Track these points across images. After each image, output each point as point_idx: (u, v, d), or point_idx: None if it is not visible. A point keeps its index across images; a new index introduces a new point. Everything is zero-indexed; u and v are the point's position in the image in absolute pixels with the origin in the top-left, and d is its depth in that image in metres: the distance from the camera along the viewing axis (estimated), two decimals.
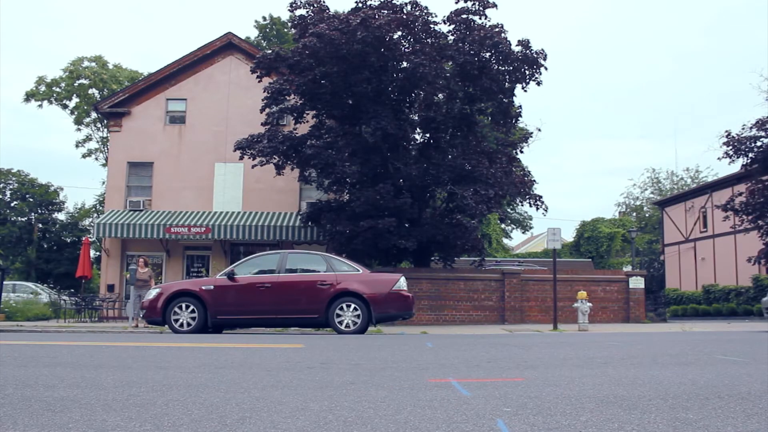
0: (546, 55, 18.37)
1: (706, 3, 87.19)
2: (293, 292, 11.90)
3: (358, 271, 12.24)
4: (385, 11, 18.03)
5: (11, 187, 38.25)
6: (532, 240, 55.90)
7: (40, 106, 37.71)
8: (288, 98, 19.08)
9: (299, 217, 21.17)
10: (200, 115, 23.45)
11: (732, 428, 2.74)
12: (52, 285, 30.69)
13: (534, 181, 20.48)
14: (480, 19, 18.55)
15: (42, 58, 75.11)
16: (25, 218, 37.93)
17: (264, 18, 40.31)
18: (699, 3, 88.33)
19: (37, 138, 71.38)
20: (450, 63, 18.77)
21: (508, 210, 34.83)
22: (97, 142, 39.51)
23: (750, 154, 22.28)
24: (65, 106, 38.18)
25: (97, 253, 31.20)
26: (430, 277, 18.68)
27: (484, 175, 18.02)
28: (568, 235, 50.36)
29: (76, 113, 38.29)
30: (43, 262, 36.65)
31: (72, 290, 23.43)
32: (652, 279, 37.83)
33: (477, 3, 18.48)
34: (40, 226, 37.89)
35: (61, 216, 39.91)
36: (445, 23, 18.72)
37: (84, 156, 40.31)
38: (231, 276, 12.00)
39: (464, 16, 18.53)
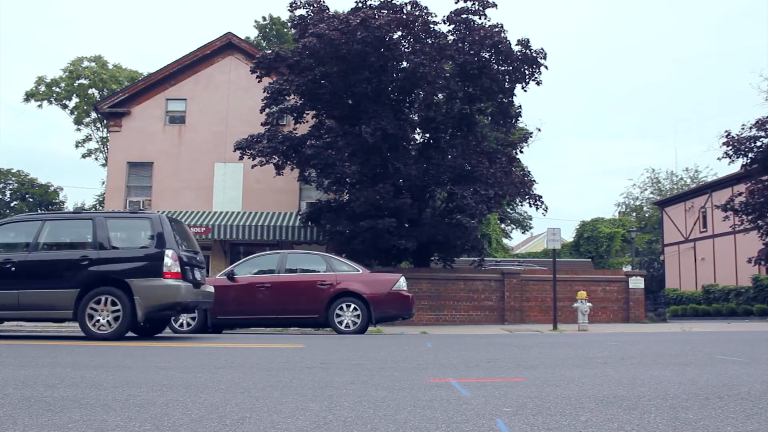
0: (546, 54, 18.38)
1: (706, 4, 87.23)
2: (293, 292, 11.90)
3: (358, 271, 12.24)
4: (385, 11, 18.03)
5: (11, 187, 38.27)
6: (532, 240, 55.91)
7: (40, 106, 37.75)
8: (288, 98, 19.08)
9: (299, 217, 21.16)
10: (200, 115, 23.45)
11: (732, 428, 2.74)
12: None
13: (534, 181, 20.47)
14: (480, 19, 18.57)
15: (42, 58, 75.16)
16: None
17: (264, 18, 40.31)
18: (699, 5, 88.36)
19: (37, 138, 71.39)
20: (450, 63, 18.78)
21: (508, 210, 34.82)
22: (97, 142, 39.54)
23: (750, 154, 22.30)
24: (65, 106, 38.20)
25: None
26: (430, 277, 18.69)
27: (484, 175, 18.02)
28: (568, 235, 50.38)
29: (76, 113, 38.31)
30: None
31: None
32: (652, 279, 37.87)
33: (477, 3, 18.49)
34: None
35: None
36: (445, 23, 18.74)
37: (84, 156, 40.35)
38: (231, 276, 12.00)
39: (464, 16, 18.54)
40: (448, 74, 18.39)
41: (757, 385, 4.00)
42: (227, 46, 23.79)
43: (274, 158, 18.71)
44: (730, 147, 22.27)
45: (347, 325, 11.54)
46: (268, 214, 22.23)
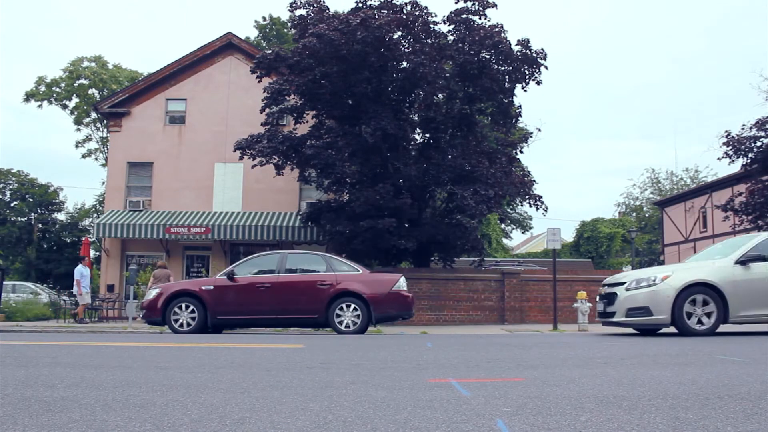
0: (546, 55, 18.39)
1: (706, 5, 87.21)
2: (293, 292, 11.89)
3: (358, 271, 12.23)
4: (385, 11, 18.04)
5: (11, 187, 38.26)
6: (532, 240, 55.92)
7: (40, 106, 37.77)
8: (288, 98, 19.08)
9: (299, 217, 21.17)
10: (200, 115, 23.46)
11: (732, 428, 2.74)
12: (51, 285, 30.71)
13: (534, 181, 20.48)
14: (480, 19, 18.57)
15: (42, 58, 75.18)
16: (25, 218, 37.93)
17: (264, 18, 40.35)
18: (700, 5, 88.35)
19: (37, 138, 71.41)
20: (450, 63, 18.78)
21: (508, 210, 34.83)
22: (97, 142, 39.56)
23: (750, 154, 22.27)
24: (65, 106, 38.21)
25: (97, 254, 31.21)
26: (430, 277, 18.68)
27: (484, 175, 18.02)
28: (568, 235, 50.40)
29: (76, 113, 38.33)
30: (43, 262, 36.66)
31: (72, 290, 23.42)
32: None
33: (477, 3, 18.49)
34: (40, 226, 37.89)
35: (61, 216, 39.94)
36: (445, 23, 18.75)
37: (84, 156, 40.38)
38: (231, 276, 12.00)
39: (464, 16, 18.55)
40: (448, 74, 18.40)
41: (757, 385, 4.00)
42: (227, 46, 23.79)
43: (274, 158, 18.71)
44: (730, 147, 22.24)
45: (347, 325, 11.54)
46: (268, 214, 22.23)
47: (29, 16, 79.19)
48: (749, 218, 22.79)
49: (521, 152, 22.74)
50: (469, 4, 18.52)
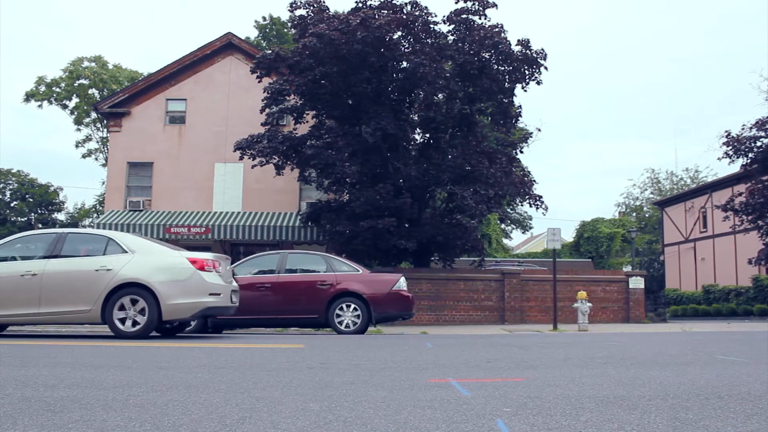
0: (546, 55, 18.38)
1: (706, 5, 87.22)
2: (293, 292, 11.90)
3: (358, 271, 12.24)
4: (385, 11, 18.04)
5: (11, 187, 38.28)
6: (532, 240, 55.92)
7: (40, 106, 37.78)
8: (288, 98, 19.08)
9: (299, 217, 21.16)
10: (200, 115, 23.45)
11: (732, 428, 2.74)
12: None
13: (534, 181, 20.47)
14: (480, 19, 18.57)
15: (42, 58, 75.20)
16: (25, 218, 37.94)
17: (264, 18, 40.37)
18: (699, 5, 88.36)
19: (37, 138, 71.46)
20: (450, 63, 18.79)
21: (508, 210, 34.82)
22: (97, 142, 39.57)
23: (750, 154, 22.31)
24: (65, 106, 38.21)
25: None
26: (430, 278, 18.68)
27: (484, 175, 18.02)
28: (568, 235, 50.39)
29: (76, 113, 38.33)
30: None
31: None
32: (652, 279, 37.88)
33: (477, 3, 18.49)
34: (40, 226, 37.89)
35: (61, 216, 39.95)
36: (445, 23, 18.74)
37: (84, 156, 40.38)
38: None
39: (464, 16, 18.54)
40: (448, 74, 18.39)
41: (757, 385, 4.00)
42: (227, 46, 23.78)
43: (274, 158, 18.71)
44: (730, 147, 22.28)
45: (347, 326, 11.54)
46: (268, 214, 22.23)
47: (29, 16, 79.24)
48: (749, 218, 22.82)
49: (521, 152, 22.73)
50: (469, 4, 18.52)
